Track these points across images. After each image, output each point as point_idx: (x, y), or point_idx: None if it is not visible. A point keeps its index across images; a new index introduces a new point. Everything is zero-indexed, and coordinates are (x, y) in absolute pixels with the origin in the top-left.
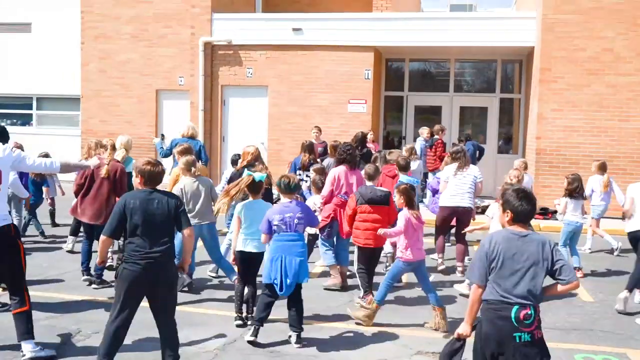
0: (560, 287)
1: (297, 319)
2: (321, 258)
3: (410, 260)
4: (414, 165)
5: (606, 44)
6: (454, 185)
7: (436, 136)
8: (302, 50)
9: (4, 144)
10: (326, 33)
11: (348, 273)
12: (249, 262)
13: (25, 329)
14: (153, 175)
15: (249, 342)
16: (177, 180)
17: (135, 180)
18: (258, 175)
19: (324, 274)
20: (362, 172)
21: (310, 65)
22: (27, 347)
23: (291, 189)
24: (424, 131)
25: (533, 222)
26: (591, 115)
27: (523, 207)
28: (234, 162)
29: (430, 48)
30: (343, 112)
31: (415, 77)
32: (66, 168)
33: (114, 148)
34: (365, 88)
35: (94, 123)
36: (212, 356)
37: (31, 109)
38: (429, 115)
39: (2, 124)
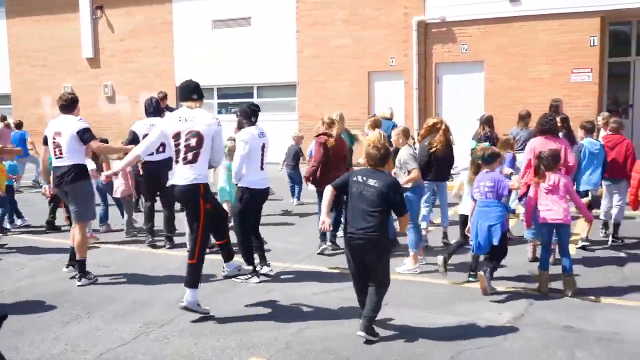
0: None
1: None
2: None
3: None
4: None
5: None
6: None
7: None
8: (520, 21)
9: (255, 121)
10: (546, 1)
11: None
12: None
13: (187, 278)
14: (371, 157)
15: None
16: None
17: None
18: None
19: None
20: None
21: (530, 37)
22: (186, 295)
23: (485, 159)
24: None
25: None
26: None
27: None
28: None
29: None
30: (565, 83)
31: None
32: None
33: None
34: (591, 56)
35: (309, 108)
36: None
37: (252, 97)
38: None
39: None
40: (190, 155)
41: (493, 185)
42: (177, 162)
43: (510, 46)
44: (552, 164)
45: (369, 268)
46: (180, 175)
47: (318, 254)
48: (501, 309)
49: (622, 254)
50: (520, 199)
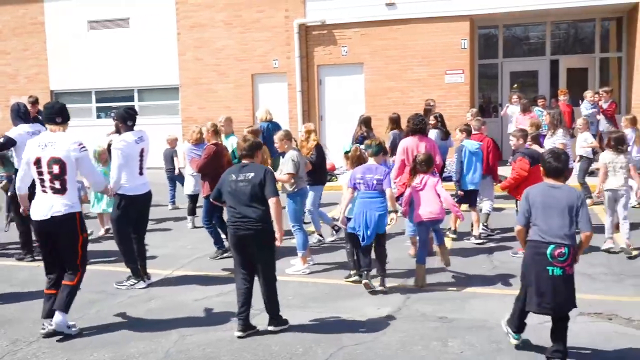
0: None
1: (380, 264)
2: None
3: None
4: None
5: None
6: None
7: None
8: (396, 24)
9: (132, 125)
10: (420, 6)
11: None
12: None
13: (62, 300)
14: (240, 147)
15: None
16: None
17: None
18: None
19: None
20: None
21: (406, 40)
22: (55, 318)
23: (374, 152)
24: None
25: None
26: None
27: (552, 164)
28: None
29: (526, 12)
30: (441, 84)
31: (509, 43)
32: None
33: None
34: (462, 58)
35: (193, 110)
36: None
37: (133, 100)
38: (525, 80)
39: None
40: (57, 184)
41: (382, 178)
42: (43, 191)
43: (388, 48)
44: (427, 168)
45: (254, 262)
46: (52, 206)
47: (218, 259)
48: (380, 304)
49: (492, 245)
50: (397, 198)
